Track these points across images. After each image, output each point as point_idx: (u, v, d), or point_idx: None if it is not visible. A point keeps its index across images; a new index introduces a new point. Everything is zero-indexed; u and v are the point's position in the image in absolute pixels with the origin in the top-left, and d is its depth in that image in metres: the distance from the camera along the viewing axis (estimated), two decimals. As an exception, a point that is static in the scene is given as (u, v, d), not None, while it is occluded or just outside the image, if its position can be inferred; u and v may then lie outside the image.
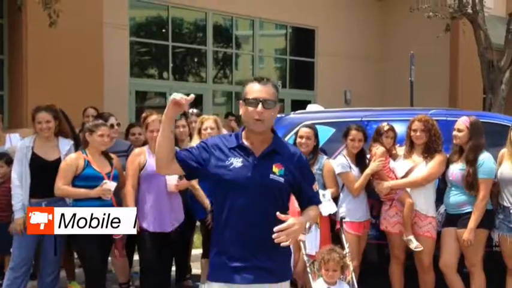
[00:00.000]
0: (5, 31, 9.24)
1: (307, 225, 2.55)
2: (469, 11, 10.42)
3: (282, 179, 2.59)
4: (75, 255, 5.45)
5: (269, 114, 2.57)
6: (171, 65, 12.12)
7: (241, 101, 2.61)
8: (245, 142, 2.63)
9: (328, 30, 14.03)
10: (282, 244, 2.42)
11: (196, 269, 5.66)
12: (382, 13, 14.96)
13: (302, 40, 14.49)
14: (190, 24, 12.92)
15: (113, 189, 4.14)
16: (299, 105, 13.63)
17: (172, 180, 4.38)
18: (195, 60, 13.11)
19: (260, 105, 2.52)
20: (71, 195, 4.17)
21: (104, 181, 4.12)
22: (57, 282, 4.45)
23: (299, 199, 2.72)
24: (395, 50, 14.39)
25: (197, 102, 12.80)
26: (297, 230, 2.46)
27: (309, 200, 2.71)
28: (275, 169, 2.58)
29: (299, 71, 14.54)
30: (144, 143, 5.17)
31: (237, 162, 2.57)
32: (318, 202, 2.78)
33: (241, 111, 2.62)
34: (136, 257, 5.15)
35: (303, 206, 2.72)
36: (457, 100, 13.37)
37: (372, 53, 14.91)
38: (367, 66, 14.78)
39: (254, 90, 2.57)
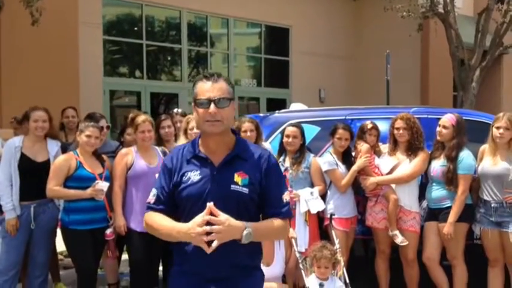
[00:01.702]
0: (-22, 30, 9.03)
1: (244, 233, 2.15)
2: (441, 10, 10.69)
3: (245, 190, 2.27)
4: (59, 257, 5.43)
5: (226, 113, 2.28)
6: (145, 63, 12.02)
7: (193, 103, 2.34)
8: (202, 150, 2.35)
9: (302, 29, 14.18)
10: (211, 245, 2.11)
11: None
12: (356, 12, 15.20)
13: (277, 39, 14.59)
14: (164, 22, 12.85)
15: (105, 189, 4.13)
16: (274, 103, 13.78)
17: None
18: (170, 59, 13.05)
19: (212, 106, 2.25)
20: (63, 196, 4.13)
21: (96, 181, 4.11)
22: (45, 284, 4.42)
23: (262, 209, 2.34)
24: (368, 49, 14.67)
25: (171, 102, 12.79)
26: (223, 232, 2.12)
27: (271, 211, 2.32)
28: (237, 178, 2.28)
29: (274, 70, 14.65)
30: None
31: (194, 175, 2.30)
32: (281, 215, 2.32)
33: (194, 115, 2.37)
34: (124, 257, 5.16)
35: (265, 218, 2.34)
36: (428, 97, 13.71)
37: (345, 51, 15.14)
38: (340, 65, 15.00)
39: (204, 89, 2.29)
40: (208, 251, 2.12)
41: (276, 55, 14.46)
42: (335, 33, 14.76)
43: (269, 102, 13.96)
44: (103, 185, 4.12)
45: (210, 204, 2.15)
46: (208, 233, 2.11)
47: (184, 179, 2.31)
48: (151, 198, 2.37)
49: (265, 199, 2.31)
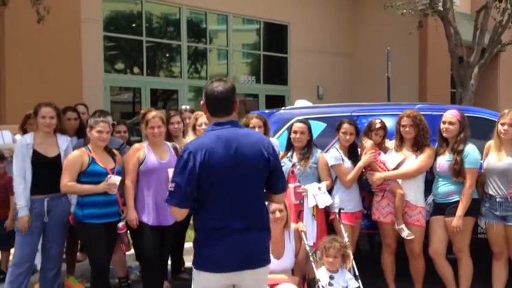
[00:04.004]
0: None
1: None
2: (440, 8, 10.79)
3: None
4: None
5: None
6: (145, 60, 12.05)
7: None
8: None
9: (300, 26, 14.23)
10: None
11: (188, 262, 5.74)
12: (353, 9, 15.28)
13: (275, 35, 14.64)
14: (164, 19, 12.88)
15: (117, 183, 4.18)
16: (273, 100, 13.85)
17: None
18: (169, 55, 13.09)
19: None
20: (77, 191, 4.18)
21: (109, 176, 4.16)
22: (58, 277, 4.48)
23: None
24: (366, 46, 14.75)
25: (170, 98, 12.84)
26: None
27: None
28: None
29: (273, 66, 14.70)
30: (128, 141, 5.26)
31: None
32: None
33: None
34: (131, 251, 5.22)
35: None
36: (426, 94, 13.82)
37: (343, 48, 15.21)
38: (339, 62, 15.08)
39: None
40: None
41: (274, 52, 14.52)
42: (333, 30, 14.83)
43: (268, 99, 14.03)
44: (115, 179, 4.18)
45: None
46: None
47: None
48: None
49: None
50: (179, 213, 2.79)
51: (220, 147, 2.72)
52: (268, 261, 2.89)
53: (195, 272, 2.87)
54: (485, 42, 11.18)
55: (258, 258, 2.81)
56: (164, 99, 13.20)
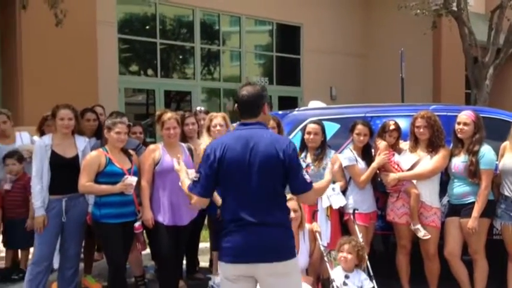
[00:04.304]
0: (-1, 31, 9.19)
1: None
2: (454, 8, 10.73)
3: None
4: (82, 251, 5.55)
5: None
6: (159, 62, 12.15)
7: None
8: None
9: (313, 27, 14.25)
10: None
11: (203, 262, 5.79)
12: (367, 10, 15.25)
13: (288, 37, 14.68)
14: (177, 21, 12.98)
15: (134, 183, 4.24)
16: (286, 101, 13.87)
17: (191, 175, 4.50)
18: (184, 57, 13.18)
19: None
20: (95, 192, 4.25)
21: (125, 176, 4.22)
22: (76, 275, 4.55)
23: None
24: (379, 47, 14.71)
25: (184, 99, 12.93)
26: None
27: None
28: None
29: (285, 68, 14.73)
30: (144, 142, 5.32)
31: None
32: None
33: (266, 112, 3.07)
34: (147, 250, 5.28)
35: None
36: (440, 95, 13.74)
37: (356, 49, 15.19)
38: (351, 63, 15.06)
39: None
40: None
41: (287, 53, 14.55)
42: (346, 31, 14.82)
43: (280, 100, 14.05)
44: (132, 180, 4.24)
45: None
46: None
47: None
48: None
49: None
50: (200, 202, 3.07)
51: (239, 145, 2.92)
52: (288, 256, 2.93)
53: (219, 262, 3.09)
54: (500, 42, 11.08)
55: (274, 252, 2.87)
56: (178, 100, 13.31)
